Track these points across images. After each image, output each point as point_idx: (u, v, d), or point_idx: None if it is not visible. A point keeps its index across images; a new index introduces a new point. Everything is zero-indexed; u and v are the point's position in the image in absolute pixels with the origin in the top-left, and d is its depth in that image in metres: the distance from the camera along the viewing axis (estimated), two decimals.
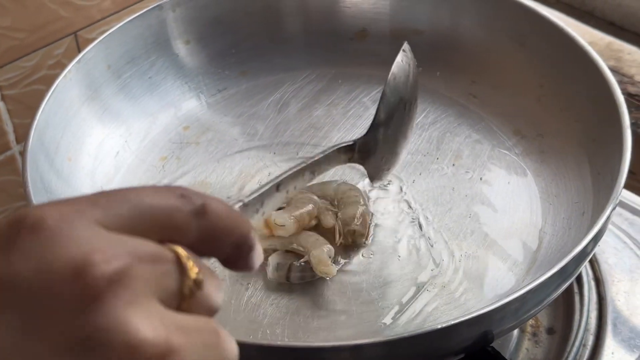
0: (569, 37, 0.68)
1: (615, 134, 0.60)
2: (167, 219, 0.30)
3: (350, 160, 0.55)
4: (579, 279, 0.65)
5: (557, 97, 0.69)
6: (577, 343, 0.61)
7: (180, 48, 0.76)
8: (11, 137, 0.81)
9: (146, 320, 0.27)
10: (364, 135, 0.56)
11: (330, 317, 0.58)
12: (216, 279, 0.31)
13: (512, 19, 0.73)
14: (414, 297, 0.59)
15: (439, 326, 0.48)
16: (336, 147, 0.54)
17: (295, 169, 0.48)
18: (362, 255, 0.62)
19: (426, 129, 0.73)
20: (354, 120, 0.74)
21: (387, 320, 0.57)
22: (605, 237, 0.68)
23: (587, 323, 0.62)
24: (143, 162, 0.71)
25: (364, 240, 0.63)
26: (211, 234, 0.31)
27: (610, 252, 0.68)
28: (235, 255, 0.33)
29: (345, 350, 0.48)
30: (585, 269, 0.66)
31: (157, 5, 0.73)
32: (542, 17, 0.70)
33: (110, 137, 0.71)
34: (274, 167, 0.70)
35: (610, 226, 0.69)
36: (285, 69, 0.79)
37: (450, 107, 0.74)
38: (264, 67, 0.78)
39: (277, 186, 0.46)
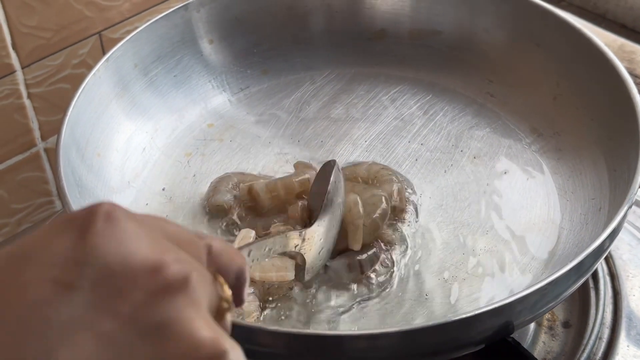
0: (585, 37, 0.69)
1: (631, 132, 0.61)
2: (196, 249, 0.33)
3: (295, 247, 0.58)
4: (594, 275, 0.66)
5: (573, 96, 0.71)
6: (593, 336, 0.62)
7: (205, 47, 0.78)
8: (37, 134, 0.82)
9: (206, 323, 0.30)
10: (311, 225, 0.59)
11: (354, 308, 0.59)
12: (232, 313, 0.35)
13: (528, 19, 0.74)
14: (434, 290, 0.60)
15: (462, 316, 0.49)
16: (286, 232, 0.58)
17: (255, 243, 0.54)
18: (386, 248, 0.64)
19: (444, 127, 0.74)
20: (373, 118, 0.76)
21: (409, 311, 0.59)
22: (619, 234, 0.69)
23: (602, 317, 0.64)
24: (169, 158, 0.73)
25: (403, 215, 0.65)
26: (218, 266, 0.34)
27: (625, 248, 0.70)
28: (237, 287, 0.36)
29: (367, 339, 0.50)
30: (600, 265, 0.67)
31: (182, 6, 0.75)
32: (558, 18, 0.72)
33: (137, 134, 0.72)
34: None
35: (624, 223, 0.71)
36: (306, 68, 0.80)
37: (468, 106, 0.76)
38: (285, 66, 0.80)
39: (248, 253, 0.51)
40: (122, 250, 0.29)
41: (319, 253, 0.60)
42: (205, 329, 0.29)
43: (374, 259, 0.62)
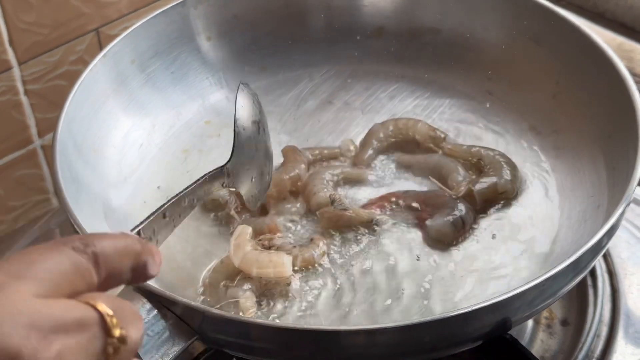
0: (585, 35, 0.69)
1: (630, 130, 0.61)
2: (75, 274, 0.33)
3: (224, 185, 0.60)
4: (592, 273, 0.66)
5: (573, 94, 0.71)
6: (591, 334, 0.62)
7: (203, 44, 0.77)
8: (33, 131, 0.82)
9: None
10: (229, 160, 0.60)
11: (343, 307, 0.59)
12: (137, 321, 0.33)
13: (527, 17, 0.74)
14: (430, 287, 0.60)
15: (460, 311, 0.49)
16: (207, 175, 0.58)
17: (175, 198, 0.53)
18: (365, 251, 0.64)
19: (443, 124, 0.74)
20: (371, 115, 0.76)
21: (407, 306, 0.59)
22: (618, 232, 0.69)
23: (601, 315, 0.64)
24: (166, 154, 0.73)
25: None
26: (109, 272, 0.34)
27: (623, 246, 0.69)
28: (137, 276, 0.36)
29: (364, 335, 0.50)
30: (599, 263, 0.67)
31: (180, 2, 0.75)
32: (558, 16, 0.72)
33: (134, 130, 0.72)
34: None
35: (622, 221, 0.71)
36: (304, 65, 0.80)
37: (466, 104, 0.76)
38: (283, 63, 0.80)
39: (164, 215, 0.51)
40: None
41: (252, 180, 0.61)
42: None
43: (470, 213, 0.64)
